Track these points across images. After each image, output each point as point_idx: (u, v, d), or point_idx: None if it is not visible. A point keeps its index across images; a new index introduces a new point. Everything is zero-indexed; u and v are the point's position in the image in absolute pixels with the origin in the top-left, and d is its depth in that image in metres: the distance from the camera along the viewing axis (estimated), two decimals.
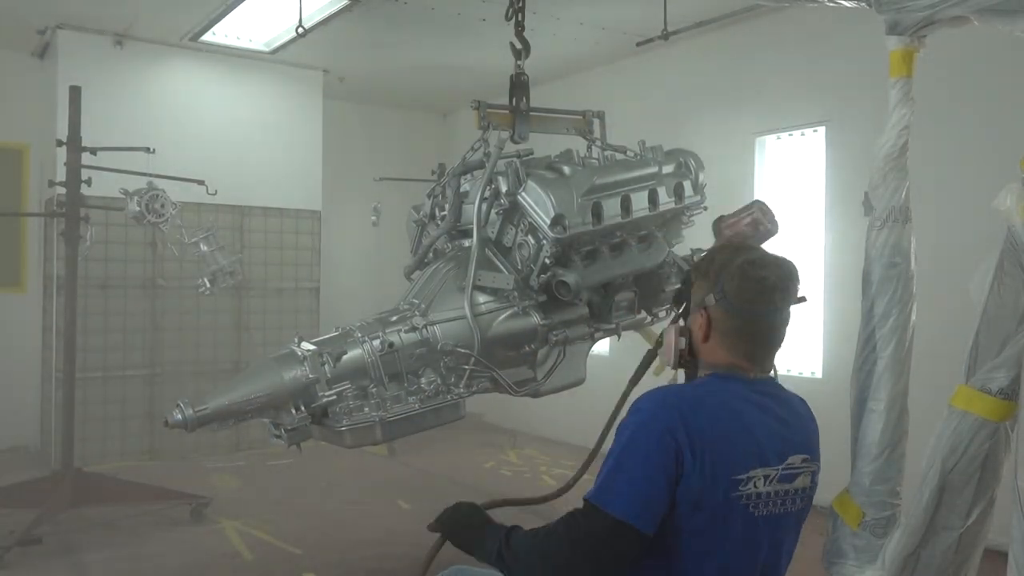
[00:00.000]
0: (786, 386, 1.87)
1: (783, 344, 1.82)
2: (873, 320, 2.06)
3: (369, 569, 3.84)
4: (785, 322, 1.82)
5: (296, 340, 2.77)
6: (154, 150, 4.65)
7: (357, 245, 7.35)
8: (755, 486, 1.64)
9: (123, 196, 4.35)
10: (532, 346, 2.99)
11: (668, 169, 3.22)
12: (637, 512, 1.56)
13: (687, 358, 1.83)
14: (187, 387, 5.79)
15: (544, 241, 2.87)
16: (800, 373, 4.87)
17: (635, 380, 2.34)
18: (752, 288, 1.75)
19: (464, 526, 1.83)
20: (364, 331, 2.83)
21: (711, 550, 1.63)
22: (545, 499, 2.39)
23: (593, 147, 3.45)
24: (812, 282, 4.87)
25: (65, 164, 4.33)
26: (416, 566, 3.84)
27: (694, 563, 1.64)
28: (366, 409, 2.75)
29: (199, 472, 5.52)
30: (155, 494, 4.51)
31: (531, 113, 3.28)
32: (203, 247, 4.46)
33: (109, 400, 5.76)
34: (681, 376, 1.94)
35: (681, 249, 3.36)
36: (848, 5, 2.14)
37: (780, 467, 1.68)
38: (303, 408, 2.68)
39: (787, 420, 1.74)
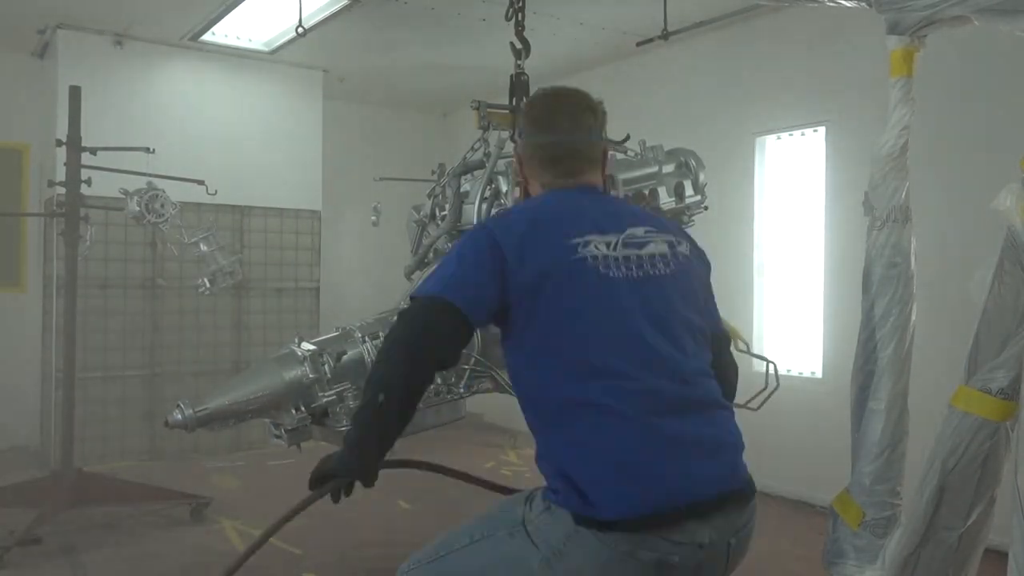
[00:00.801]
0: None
1: (597, 163, 1.91)
2: (873, 320, 2.06)
3: (369, 569, 3.84)
4: (589, 144, 1.89)
5: (296, 340, 2.78)
6: (154, 150, 4.65)
7: (357, 245, 7.35)
8: (596, 248, 1.69)
9: (123, 196, 4.35)
10: None
11: (669, 168, 3.22)
12: (451, 285, 1.64)
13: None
14: (187, 387, 5.79)
15: None
16: (800, 373, 4.87)
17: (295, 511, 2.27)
18: (540, 118, 1.90)
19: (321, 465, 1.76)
20: (364, 331, 2.84)
21: (572, 313, 1.65)
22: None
23: None
24: (812, 282, 4.88)
25: (65, 164, 4.33)
26: None
27: (562, 333, 1.64)
28: None
29: (199, 472, 5.52)
30: (155, 494, 4.51)
31: None
32: (203, 247, 4.46)
33: (109, 400, 5.76)
34: None
35: None
36: (848, 5, 2.14)
37: (621, 235, 1.73)
38: (303, 408, 2.69)
39: (622, 206, 1.87)
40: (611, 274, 1.68)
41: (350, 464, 1.67)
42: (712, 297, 1.91)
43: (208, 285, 4.44)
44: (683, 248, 1.82)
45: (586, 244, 1.69)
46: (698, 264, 1.87)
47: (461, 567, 1.68)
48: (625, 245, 1.72)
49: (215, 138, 6.12)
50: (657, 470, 1.56)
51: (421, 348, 1.62)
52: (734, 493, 1.62)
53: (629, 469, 1.55)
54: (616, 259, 1.70)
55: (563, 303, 1.65)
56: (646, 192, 3.13)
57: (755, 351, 3.12)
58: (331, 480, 1.73)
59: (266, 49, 6.03)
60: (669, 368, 1.64)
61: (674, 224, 1.92)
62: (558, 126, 1.87)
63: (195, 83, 6.15)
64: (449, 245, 3.23)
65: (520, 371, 1.73)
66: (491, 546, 1.67)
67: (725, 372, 1.86)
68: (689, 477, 1.57)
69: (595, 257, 1.68)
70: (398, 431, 1.67)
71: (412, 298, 1.70)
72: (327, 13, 5.06)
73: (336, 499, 1.75)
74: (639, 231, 1.76)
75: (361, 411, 1.67)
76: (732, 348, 2.02)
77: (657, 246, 1.76)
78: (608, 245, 1.70)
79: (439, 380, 2.87)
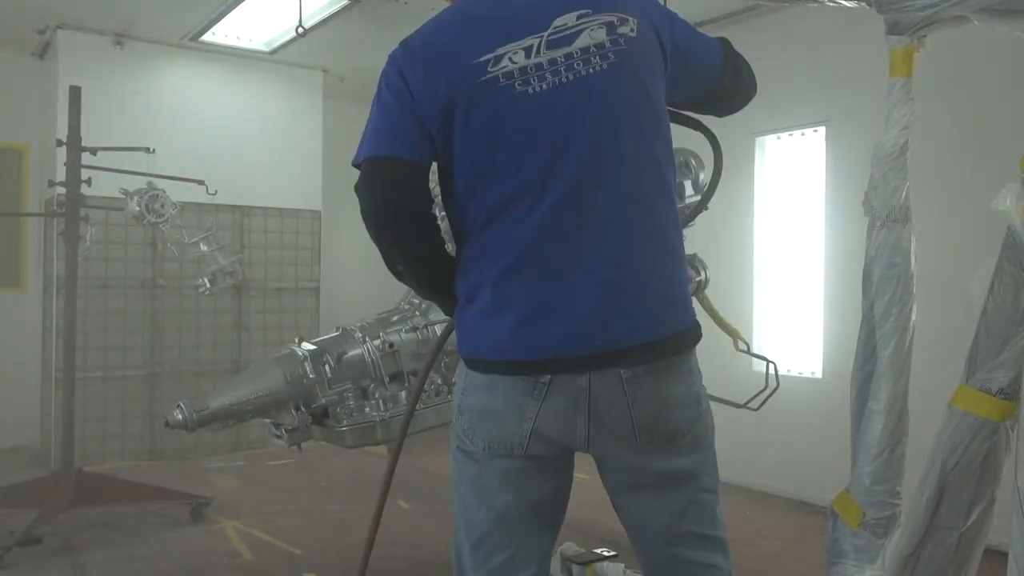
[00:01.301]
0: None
1: None
2: (873, 320, 2.06)
3: (369, 569, 3.83)
4: None
5: (296, 340, 2.79)
6: (154, 150, 4.65)
7: (357, 245, 7.33)
8: (510, 60, 1.48)
9: (123, 196, 4.35)
10: None
11: None
12: (380, 140, 1.55)
13: None
14: (187, 387, 5.79)
15: None
16: (800, 373, 4.87)
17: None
18: None
19: None
20: (364, 331, 2.84)
21: (489, 142, 1.51)
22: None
23: None
24: (812, 282, 4.88)
25: (65, 164, 4.33)
26: (417, 566, 3.85)
27: (480, 163, 1.53)
28: (367, 409, 2.76)
29: (199, 472, 5.52)
30: (155, 494, 4.51)
31: None
32: (203, 247, 4.46)
33: (109, 400, 5.76)
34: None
35: None
36: (848, 5, 2.14)
37: (544, 33, 1.50)
38: (303, 408, 2.69)
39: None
40: (530, 90, 1.48)
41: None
42: (681, 58, 1.66)
43: (208, 285, 4.44)
44: (628, 28, 1.54)
45: (499, 59, 1.48)
46: (648, 38, 1.58)
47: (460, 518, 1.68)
48: (550, 46, 1.49)
49: (215, 138, 6.12)
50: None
51: (390, 209, 1.55)
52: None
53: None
54: (540, 66, 1.48)
55: (475, 132, 1.50)
56: None
57: (755, 351, 3.12)
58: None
59: (266, 49, 6.03)
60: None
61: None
62: None
63: (195, 83, 6.15)
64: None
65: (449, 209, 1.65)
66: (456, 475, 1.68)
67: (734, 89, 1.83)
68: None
69: (508, 74, 1.48)
70: (446, 274, 1.65)
71: (356, 166, 1.60)
72: (327, 13, 5.07)
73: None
74: (570, 19, 1.51)
75: (409, 283, 1.72)
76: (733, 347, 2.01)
77: (592, 34, 1.51)
78: (528, 51, 1.48)
79: (439, 380, 2.87)
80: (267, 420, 2.74)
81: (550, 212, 1.49)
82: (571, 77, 1.49)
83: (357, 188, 1.58)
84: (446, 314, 1.73)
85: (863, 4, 2.10)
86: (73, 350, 4.37)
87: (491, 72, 1.48)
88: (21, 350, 6.10)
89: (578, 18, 1.51)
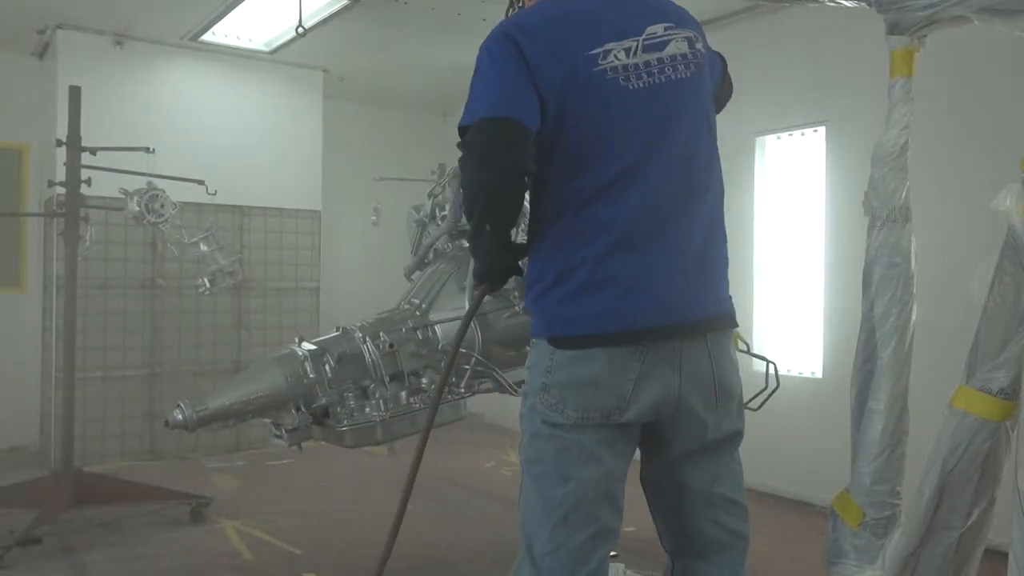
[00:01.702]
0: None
1: None
2: (873, 320, 2.06)
3: (369, 569, 3.81)
4: None
5: (296, 340, 2.78)
6: (154, 150, 4.65)
7: (357, 245, 7.35)
8: (616, 57, 1.69)
9: (123, 196, 4.35)
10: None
11: None
12: (497, 102, 1.65)
13: None
14: (187, 387, 5.79)
15: None
16: (800, 373, 4.87)
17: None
18: None
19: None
20: (364, 331, 2.84)
21: (597, 127, 1.68)
22: None
23: None
24: (812, 282, 4.88)
25: (65, 164, 4.32)
26: (417, 566, 3.85)
27: (587, 145, 1.69)
28: (367, 409, 2.76)
29: (199, 472, 5.52)
30: (155, 494, 4.51)
31: None
32: (203, 247, 4.46)
33: (109, 400, 5.76)
34: None
35: None
36: (848, 5, 2.14)
37: (640, 38, 1.72)
38: (303, 408, 2.69)
39: (636, 4, 1.80)
40: (631, 86, 1.69)
41: (485, 273, 1.80)
42: (716, 72, 1.96)
43: (208, 285, 4.44)
44: (699, 45, 1.82)
45: (607, 54, 1.69)
46: (708, 57, 1.87)
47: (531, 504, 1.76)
48: (645, 48, 1.72)
49: (215, 138, 6.12)
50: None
51: (499, 163, 1.64)
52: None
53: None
54: (637, 66, 1.71)
55: (585, 117, 1.68)
56: None
57: (755, 351, 3.12)
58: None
59: (266, 49, 6.03)
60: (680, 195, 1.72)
61: (688, 15, 1.88)
62: None
63: (195, 83, 6.14)
64: (449, 245, 3.24)
65: (543, 184, 1.75)
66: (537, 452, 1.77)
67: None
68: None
69: (614, 68, 1.69)
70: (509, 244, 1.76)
71: (462, 128, 1.70)
72: (327, 13, 5.06)
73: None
74: (659, 28, 1.75)
75: (475, 243, 1.76)
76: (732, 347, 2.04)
77: (678, 45, 1.75)
78: (628, 52, 1.70)
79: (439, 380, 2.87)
80: (267, 420, 2.74)
81: (647, 195, 1.68)
82: (663, 80, 1.72)
83: (468, 144, 1.68)
84: (484, 278, 1.82)
85: (863, 4, 2.10)
86: (73, 350, 4.37)
87: (601, 65, 1.68)
88: (21, 350, 6.10)
89: (665, 29, 1.76)
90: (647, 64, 1.71)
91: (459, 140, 1.71)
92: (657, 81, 1.71)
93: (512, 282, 2.93)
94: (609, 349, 1.68)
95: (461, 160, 1.69)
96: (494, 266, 1.78)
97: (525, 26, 1.72)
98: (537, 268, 1.76)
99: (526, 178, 1.71)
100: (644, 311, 1.68)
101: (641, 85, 1.69)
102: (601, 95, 1.67)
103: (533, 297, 1.77)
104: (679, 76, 1.73)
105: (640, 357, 1.68)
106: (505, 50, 1.68)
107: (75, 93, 4.36)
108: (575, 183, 1.69)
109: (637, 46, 1.71)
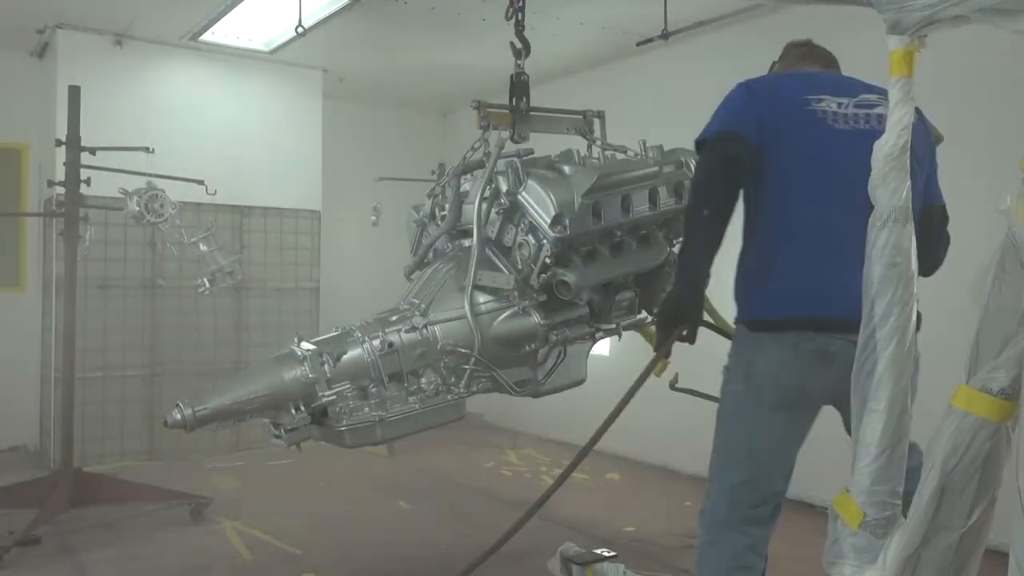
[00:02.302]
0: None
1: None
2: (873, 320, 2.05)
3: (369, 569, 3.84)
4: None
5: (296, 340, 2.78)
6: (153, 150, 4.65)
7: (357, 245, 7.35)
8: (828, 105, 2.17)
9: (122, 196, 4.35)
10: (532, 346, 2.99)
11: (668, 168, 3.22)
12: (729, 123, 2.20)
13: None
14: (187, 387, 5.78)
15: (544, 241, 2.87)
16: None
17: (641, 379, 2.42)
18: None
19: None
20: (364, 331, 2.83)
21: (799, 154, 2.16)
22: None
23: (593, 147, 3.46)
24: None
25: (64, 164, 4.33)
26: (417, 566, 3.85)
27: (787, 167, 2.17)
28: (366, 409, 2.75)
29: (199, 472, 5.52)
30: (155, 494, 4.51)
31: (531, 113, 3.28)
32: (203, 247, 4.46)
33: (109, 400, 5.76)
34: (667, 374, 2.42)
35: None
36: (848, 5, 2.14)
37: (855, 99, 2.20)
38: (303, 408, 2.69)
39: (859, 82, 2.30)
40: (837, 127, 2.15)
41: (685, 301, 2.18)
42: (933, 168, 2.49)
43: (208, 285, 4.45)
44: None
45: (820, 100, 2.18)
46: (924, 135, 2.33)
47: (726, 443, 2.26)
48: (857, 106, 2.19)
49: (215, 138, 6.12)
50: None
51: (728, 166, 2.16)
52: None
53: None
54: (845, 115, 2.16)
55: (791, 143, 2.15)
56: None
57: None
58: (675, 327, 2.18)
59: (266, 49, 6.03)
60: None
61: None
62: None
63: (195, 83, 6.15)
64: (449, 245, 3.24)
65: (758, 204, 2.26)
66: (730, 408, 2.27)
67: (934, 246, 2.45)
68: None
69: (825, 111, 2.16)
70: (718, 243, 2.18)
71: (699, 142, 2.25)
72: (327, 13, 5.07)
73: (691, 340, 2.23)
74: (872, 97, 2.22)
75: (690, 235, 2.21)
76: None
77: (882, 110, 2.15)
78: (840, 104, 2.18)
79: (439, 380, 2.87)
80: (267, 420, 2.73)
81: (833, 216, 2.13)
82: (863, 127, 2.17)
83: (704, 148, 2.24)
84: (692, 265, 2.18)
85: (863, 4, 2.10)
86: (72, 350, 4.37)
87: (812, 105, 2.17)
88: (21, 350, 6.10)
89: (876, 98, 2.22)
90: (855, 116, 2.16)
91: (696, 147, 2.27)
92: (858, 127, 2.15)
93: (512, 282, 2.93)
94: (798, 333, 2.17)
95: (700, 159, 2.22)
96: (690, 295, 2.16)
97: (759, 81, 2.33)
98: (746, 261, 2.33)
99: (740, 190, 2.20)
100: (831, 306, 2.12)
101: (845, 128, 2.14)
102: (809, 131, 2.14)
103: (744, 286, 2.32)
104: (874, 129, 2.10)
105: (826, 346, 2.17)
106: (740, 91, 2.26)
107: (75, 93, 4.36)
108: (782, 195, 2.19)
109: (849, 102, 2.18)
